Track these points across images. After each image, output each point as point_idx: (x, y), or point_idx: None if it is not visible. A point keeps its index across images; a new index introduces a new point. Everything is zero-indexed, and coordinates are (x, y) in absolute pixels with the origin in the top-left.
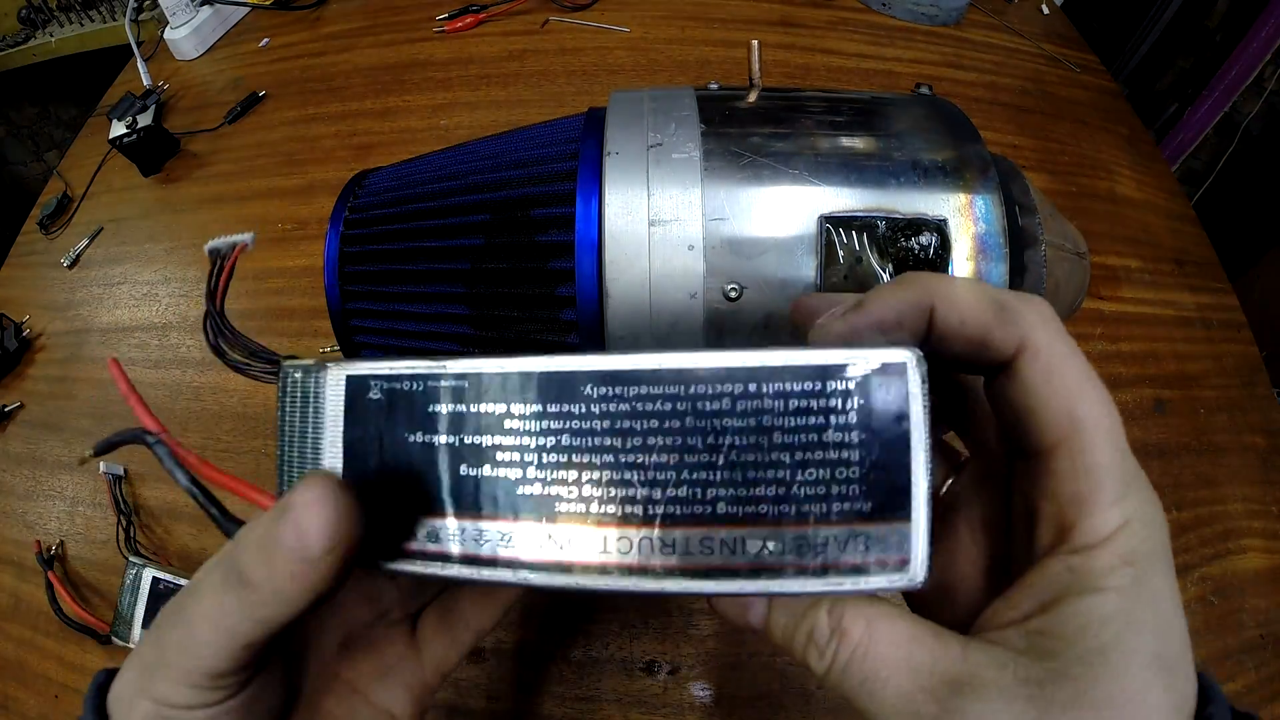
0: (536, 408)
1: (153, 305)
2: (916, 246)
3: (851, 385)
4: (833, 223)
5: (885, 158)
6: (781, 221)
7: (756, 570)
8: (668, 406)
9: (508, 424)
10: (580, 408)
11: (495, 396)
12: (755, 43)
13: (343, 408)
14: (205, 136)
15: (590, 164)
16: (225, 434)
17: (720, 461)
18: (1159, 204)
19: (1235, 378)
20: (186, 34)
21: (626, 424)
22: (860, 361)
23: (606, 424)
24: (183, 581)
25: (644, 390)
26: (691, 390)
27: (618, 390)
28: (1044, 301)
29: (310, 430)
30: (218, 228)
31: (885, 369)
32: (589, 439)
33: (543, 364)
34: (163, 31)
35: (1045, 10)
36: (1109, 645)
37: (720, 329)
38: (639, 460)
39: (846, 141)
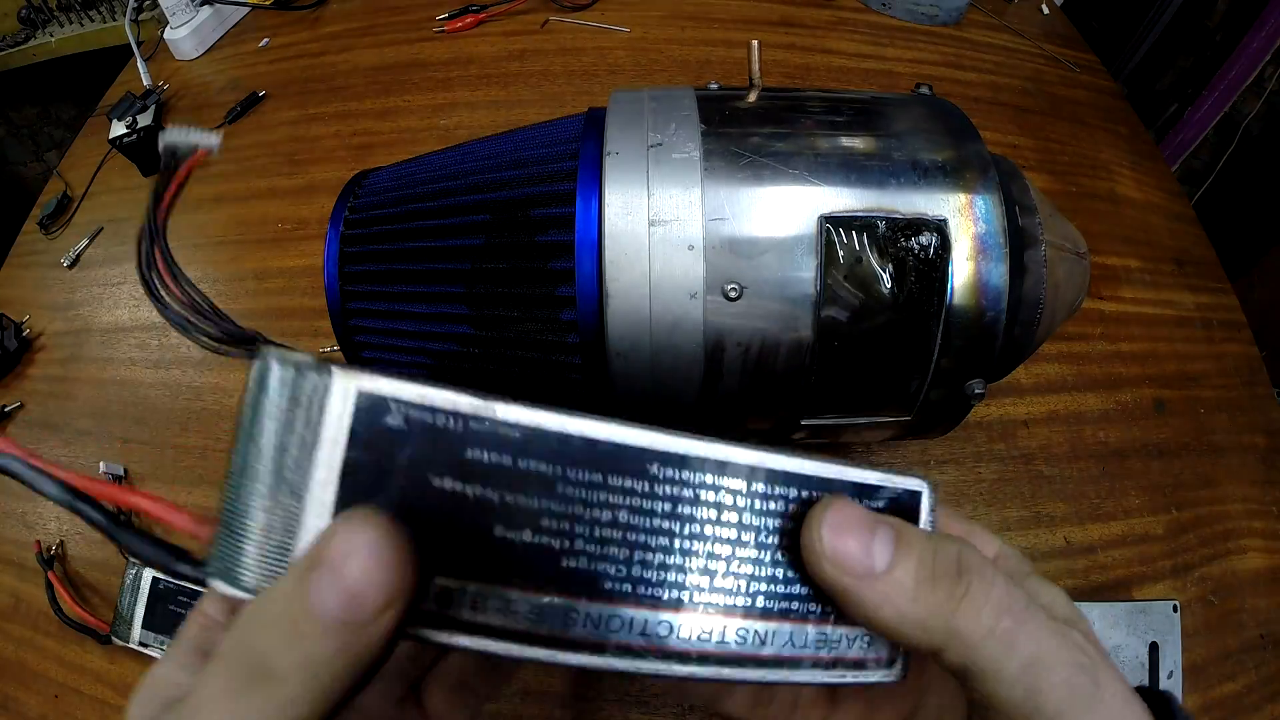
0: (596, 477)
1: (153, 305)
2: (916, 246)
3: (882, 504)
4: (833, 223)
5: (885, 158)
6: (782, 221)
7: (779, 661)
8: (729, 500)
9: (561, 489)
10: (645, 486)
11: (549, 457)
12: (755, 43)
13: (348, 427)
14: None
15: (590, 164)
16: (226, 434)
17: (768, 559)
18: (1159, 204)
19: (1235, 378)
20: (186, 34)
21: (688, 510)
22: (891, 485)
23: (668, 507)
24: (182, 582)
25: (708, 480)
26: (753, 488)
27: (685, 476)
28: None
29: (295, 445)
30: (218, 228)
31: (909, 494)
32: (648, 519)
33: (612, 433)
34: (163, 31)
35: (1045, 10)
36: None
37: (720, 329)
38: (692, 548)
39: (846, 141)
